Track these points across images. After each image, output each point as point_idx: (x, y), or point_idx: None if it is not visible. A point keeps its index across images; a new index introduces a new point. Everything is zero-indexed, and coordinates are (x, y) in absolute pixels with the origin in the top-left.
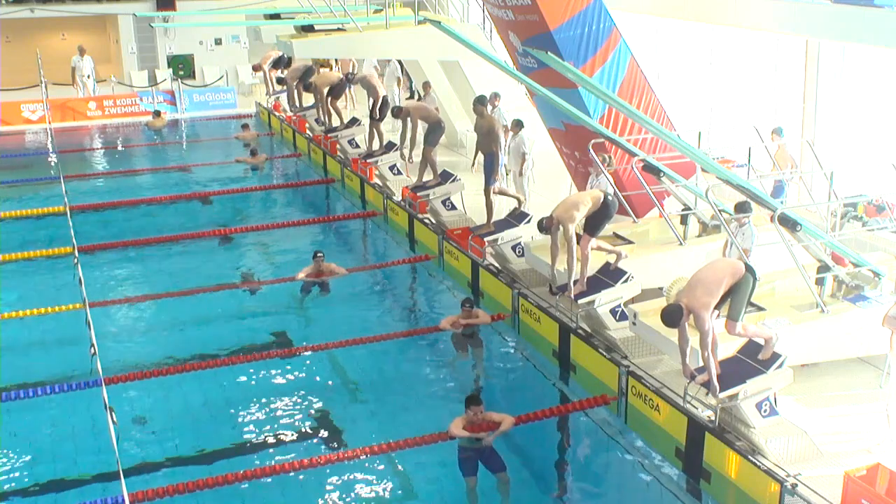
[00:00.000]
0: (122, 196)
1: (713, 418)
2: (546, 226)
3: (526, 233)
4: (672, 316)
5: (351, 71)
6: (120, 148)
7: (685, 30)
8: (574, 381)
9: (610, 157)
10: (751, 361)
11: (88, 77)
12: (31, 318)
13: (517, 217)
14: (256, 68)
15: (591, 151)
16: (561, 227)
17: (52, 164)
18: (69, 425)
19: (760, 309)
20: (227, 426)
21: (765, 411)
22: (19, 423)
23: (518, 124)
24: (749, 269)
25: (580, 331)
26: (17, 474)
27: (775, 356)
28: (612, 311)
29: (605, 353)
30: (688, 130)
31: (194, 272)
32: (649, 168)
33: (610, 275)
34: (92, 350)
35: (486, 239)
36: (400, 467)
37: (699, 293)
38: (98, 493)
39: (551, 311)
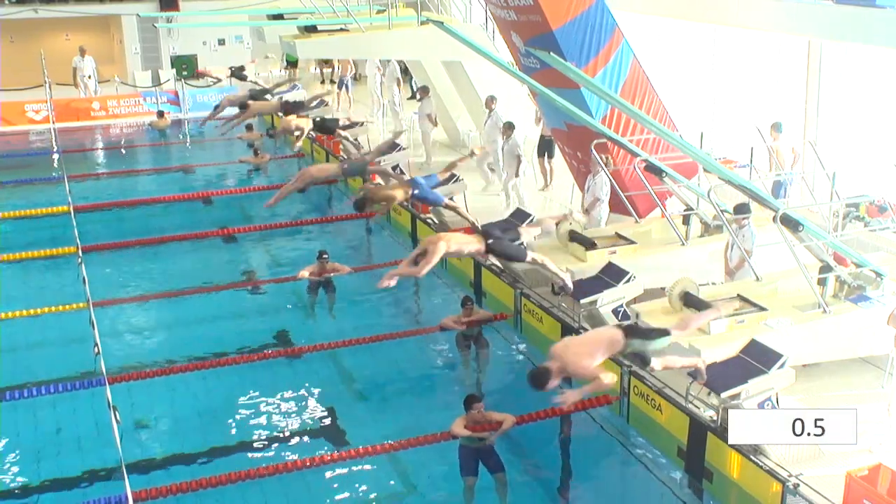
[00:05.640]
0: (125, 196)
1: (715, 418)
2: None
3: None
4: (538, 379)
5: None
6: (123, 148)
7: (687, 30)
8: (576, 380)
9: (608, 158)
10: (753, 362)
11: (90, 77)
12: (36, 318)
13: (519, 217)
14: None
15: (594, 151)
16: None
17: (56, 164)
18: (73, 424)
19: (762, 309)
20: (229, 425)
21: None
22: (24, 421)
23: (510, 127)
24: (631, 334)
25: (582, 330)
26: (21, 472)
27: (776, 356)
28: (615, 311)
29: None
30: (690, 131)
31: (198, 272)
32: (651, 168)
33: (612, 275)
34: (96, 349)
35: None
36: (402, 467)
37: (570, 356)
38: (101, 491)
39: (554, 311)
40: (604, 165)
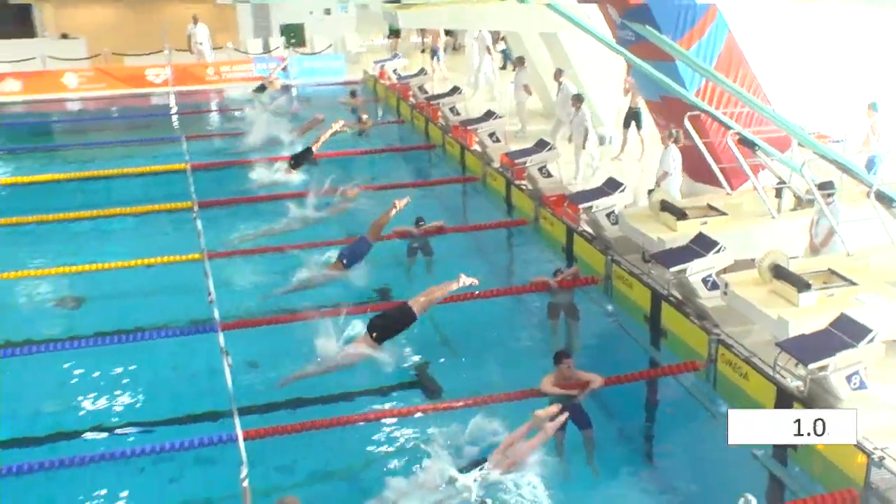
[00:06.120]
0: (237, 156)
1: (802, 388)
2: None
3: (620, 201)
4: None
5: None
6: (235, 111)
7: (783, 5)
8: (664, 346)
9: (677, 132)
10: (842, 335)
11: (202, 44)
12: (155, 267)
13: (612, 186)
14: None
15: (687, 124)
16: None
17: (174, 124)
18: (188, 367)
19: (853, 284)
20: (331, 373)
21: (854, 384)
22: (143, 363)
23: (578, 99)
24: None
25: (671, 298)
26: (140, 410)
27: (866, 331)
28: (704, 281)
29: (695, 321)
30: (784, 105)
31: (304, 228)
32: (744, 141)
33: (702, 245)
34: (210, 298)
35: (581, 206)
36: (491, 421)
37: None
38: (213, 429)
39: (643, 278)
40: (671, 140)
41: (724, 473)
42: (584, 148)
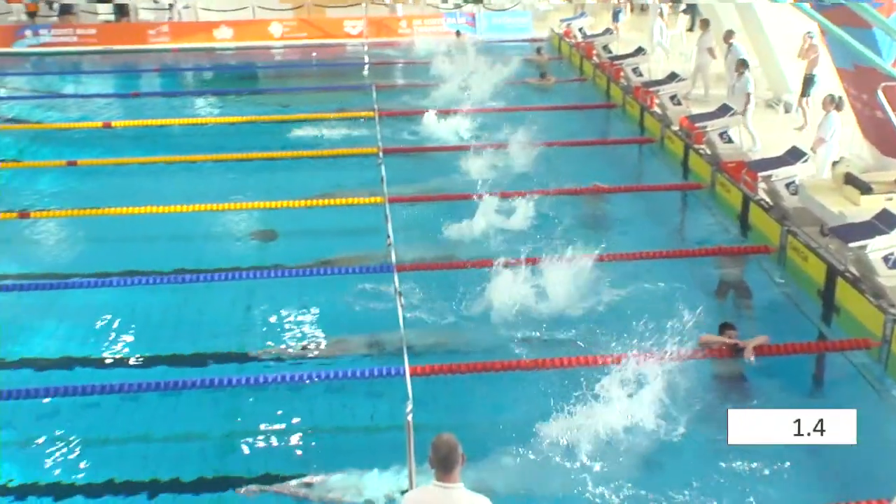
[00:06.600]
0: (421, 105)
1: None
2: None
3: (802, 171)
4: None
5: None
6: (424, 63)
7: None
8: (836, 323)
9: (839, 98)
10: None
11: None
12: (339, 207)
13: (794, 155)
14: None
15: (880, 95)
16: None
17: (366, 73)
18: (363, 304)
19: None
20: (495, 320)
21: None
22: (324, 296)
23: (743, 64)
24: None
25: (848, 274)
26: (316, 339)
27: None
28: (885, 258)
29: (872, 300)
30: None
31: (478, 179)
32: None
33: (887, 221)
34: (388, 240)
35: (760, 174)
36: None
37: None
38: (383, 362)
39: (820, 252)
40: (832, 106)
41: (891, 457)
42: (743, 114)
